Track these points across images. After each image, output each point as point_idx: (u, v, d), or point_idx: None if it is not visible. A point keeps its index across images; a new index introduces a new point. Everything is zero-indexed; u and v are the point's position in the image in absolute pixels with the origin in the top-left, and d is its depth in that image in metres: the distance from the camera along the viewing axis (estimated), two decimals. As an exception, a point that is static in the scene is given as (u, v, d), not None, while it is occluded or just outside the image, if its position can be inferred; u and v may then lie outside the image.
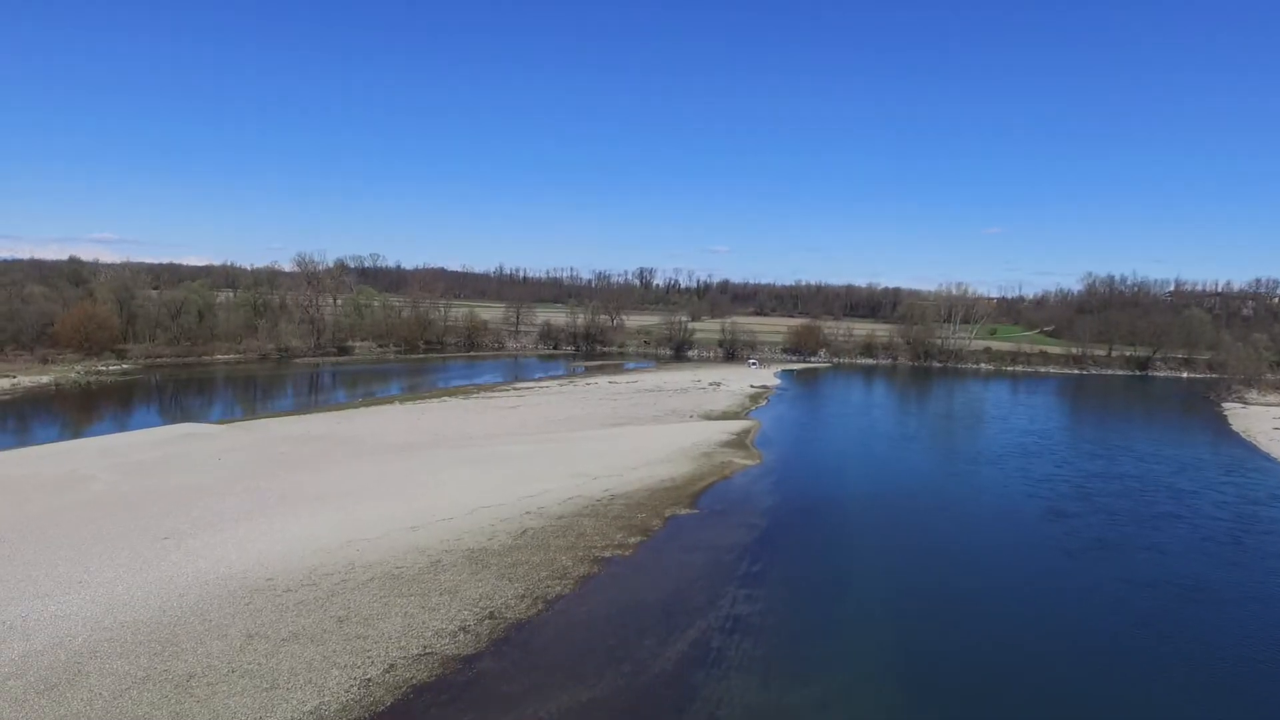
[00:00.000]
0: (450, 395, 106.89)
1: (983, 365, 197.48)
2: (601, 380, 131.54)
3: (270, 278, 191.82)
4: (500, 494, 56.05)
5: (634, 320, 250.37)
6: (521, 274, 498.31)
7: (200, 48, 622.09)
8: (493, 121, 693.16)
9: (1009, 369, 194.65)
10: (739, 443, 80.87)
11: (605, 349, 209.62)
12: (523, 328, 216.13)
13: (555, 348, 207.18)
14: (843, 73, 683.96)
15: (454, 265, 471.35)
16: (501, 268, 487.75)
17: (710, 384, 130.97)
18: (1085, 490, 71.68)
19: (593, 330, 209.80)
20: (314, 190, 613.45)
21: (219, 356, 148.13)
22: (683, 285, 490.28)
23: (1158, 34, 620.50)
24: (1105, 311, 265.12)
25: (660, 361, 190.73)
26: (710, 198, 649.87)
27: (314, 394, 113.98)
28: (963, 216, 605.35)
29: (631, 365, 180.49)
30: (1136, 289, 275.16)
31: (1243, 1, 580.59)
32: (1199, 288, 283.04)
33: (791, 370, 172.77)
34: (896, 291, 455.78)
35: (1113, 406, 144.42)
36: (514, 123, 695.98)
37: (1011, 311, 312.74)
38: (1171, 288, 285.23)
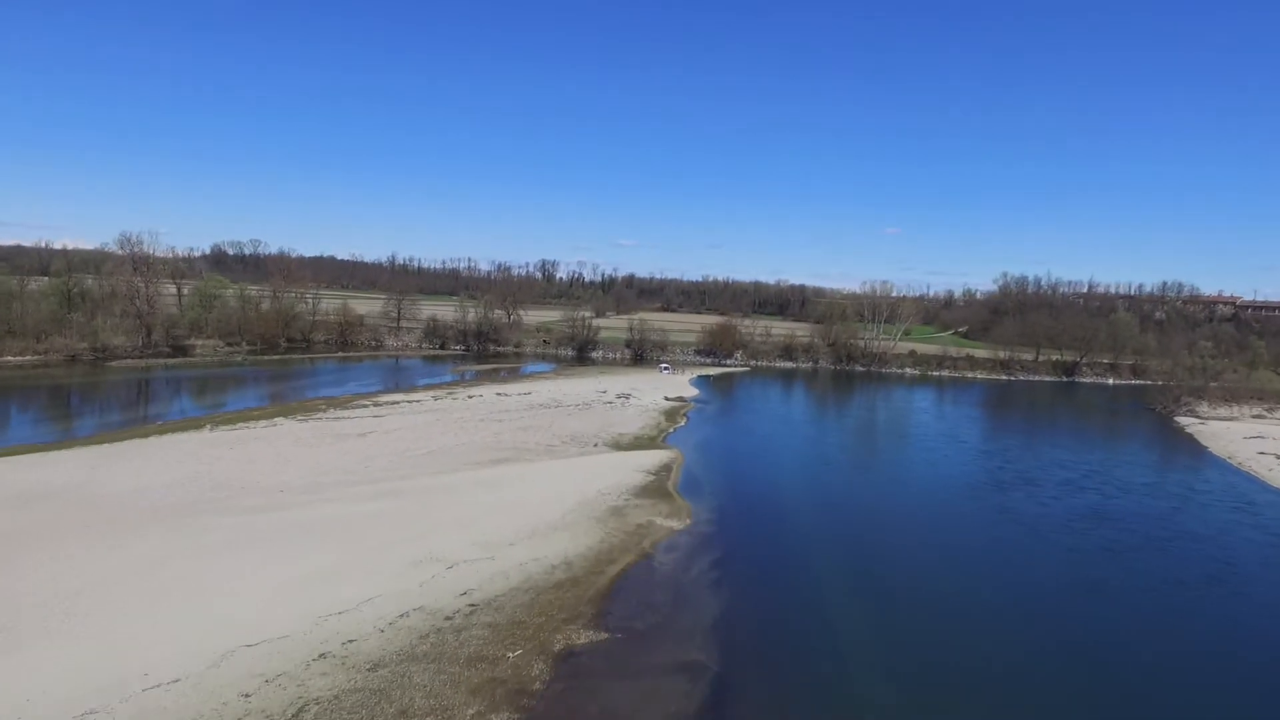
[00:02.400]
0: (286, 415, 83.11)
1: (907, 370, 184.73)
2: (488, 391, 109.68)
3: (97, 261, 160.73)
4: (288, 610, 34.58)
5: (534, 316, 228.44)
6: (416, 264, 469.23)
7: (50, 16, 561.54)
8: (384, 103, 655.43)
9: (934, 374, 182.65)
10: (659, 487, 61.20)
11: (500, 349, 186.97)
12: (405, 324, 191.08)
13: (442, 347, 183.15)
14: (746, 73, 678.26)
15: (344, 254, 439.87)
16: (394, 257, 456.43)
17: (618, 396, 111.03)
18: (1099, 541, 56.62)
19: (485, 328, 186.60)
20: (191, 173, 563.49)
21: (9, 358, 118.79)
22: (587, 279, 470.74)
23: (1044, 41, 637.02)
24: (1022, 314, 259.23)
25: (561, 364, 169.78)
26: (617, 190, 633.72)
27: (103, 412, 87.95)
28: (863, 217, 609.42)
29: (529, 369, 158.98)
30: (1051, 291, 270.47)
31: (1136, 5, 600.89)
32: (1112, 290, 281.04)
33: (708, 376, 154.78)
34: (803, 289, 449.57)
35: (1063, 420, 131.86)
36: (407, 106, 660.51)
37: (919, 311, 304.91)
38: (1085, 289, 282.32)
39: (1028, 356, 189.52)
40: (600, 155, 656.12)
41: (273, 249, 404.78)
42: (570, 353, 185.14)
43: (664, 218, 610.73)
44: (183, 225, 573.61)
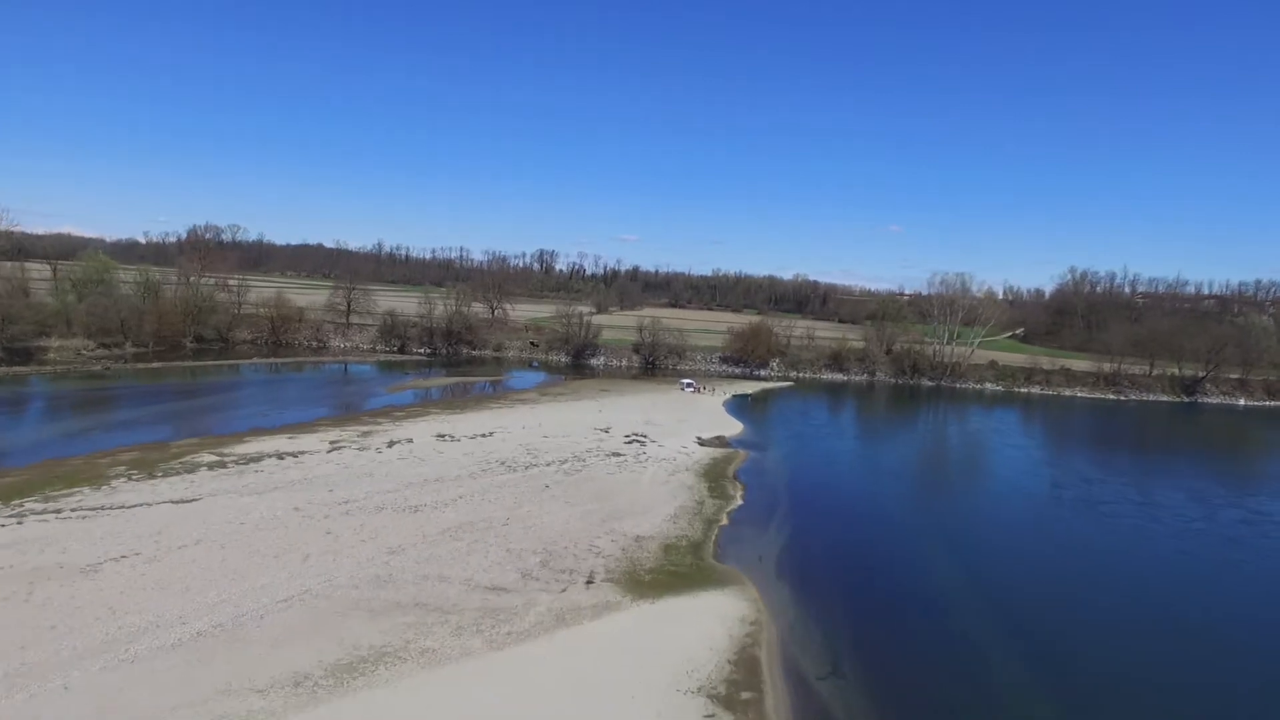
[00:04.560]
0: (8, 499, 44.85)
1: (988, 385, 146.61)
2: (426, 430, 71.01)
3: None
4: None
5: (527, 311, 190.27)
6: (404, 253, 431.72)
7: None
8: (381, 101, 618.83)
9: (1022, 390, 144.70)
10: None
11: (476, 352, 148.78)
12: (357, 319, 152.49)
13: (401, 350, 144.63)
14: (745, 75, 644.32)
15: (329, 242, 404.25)
16: (381, 245, 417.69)
17: (628, 438, 72.84)
18: None
19: (456, 326, 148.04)
20: (174, 157, 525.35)
21: None
22: (589, 272, 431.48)
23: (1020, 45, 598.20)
24: (1095, 315, 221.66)
25: (552, 373, 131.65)
26: (619, 187, 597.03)
27: None
28: (866, 215, 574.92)
29: (510, 381, 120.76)
30: (1130, 289, 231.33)
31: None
32: (1203, 290, 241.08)
33: (745, 395, 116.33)
34: (817, 285, 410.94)
35: (1261, 467, 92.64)
36: (404, 103, 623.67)
37: (1001, 312, 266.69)
38: (1159, 289, 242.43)
39: (1136, 370, 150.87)
40: (602, 155, 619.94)
41: (252, 235, 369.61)
42: (564, 359, 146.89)
43: (665, 214, 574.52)
44: (161, 209, 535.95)
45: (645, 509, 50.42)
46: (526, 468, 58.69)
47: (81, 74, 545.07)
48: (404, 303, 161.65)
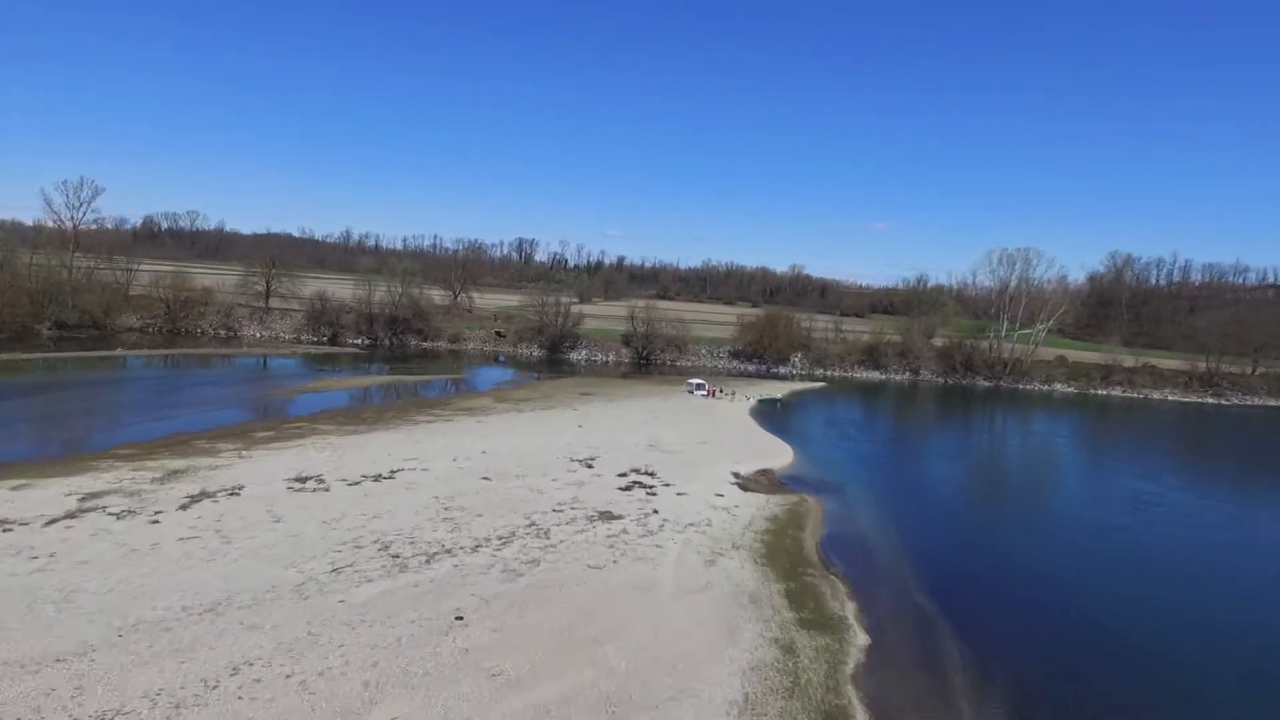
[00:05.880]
0: None
1: (1057, 386, 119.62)
2: (278, 471, 41.71)
3: None
4: None
5: (499, 300, 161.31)
6: (374, 241, 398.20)
7: None
8: (362, 93, 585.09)
9: (1099, 392, 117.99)
10: None
11: (429, 344, 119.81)
12: (280, 303, 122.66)
13: (333, 340, 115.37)
14: (735, 74, 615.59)
15: (296, 230, 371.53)
16: (349, 233, 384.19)
17: (625, 481, 44.27)
18: None
19: (402, 313, 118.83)
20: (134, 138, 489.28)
21: None
22: (571, 263, 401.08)
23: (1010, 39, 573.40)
24: (1146, 305, 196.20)
25: (523, 369, 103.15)
26: (604, 184, 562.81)
27: None
28: (850, 213, 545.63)
29: (468, 380, 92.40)
30: (1181, 278, 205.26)
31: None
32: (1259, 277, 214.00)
33: (773, 400, 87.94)
34: (809, 278, 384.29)
35: None
36: (375, 80, 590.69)
37: (1070, 301, 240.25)
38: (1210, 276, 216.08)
39: (1235, 370, 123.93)
40: (590, 154, 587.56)
41: (212, 223, 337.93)
42: (537, 352, 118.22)
43: (649, 210, 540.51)
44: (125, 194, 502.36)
45: (676, 682, 21.95)
46: (430, 558, 29.74)
47: (48, 64, 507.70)
48: (342, 287, 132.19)
